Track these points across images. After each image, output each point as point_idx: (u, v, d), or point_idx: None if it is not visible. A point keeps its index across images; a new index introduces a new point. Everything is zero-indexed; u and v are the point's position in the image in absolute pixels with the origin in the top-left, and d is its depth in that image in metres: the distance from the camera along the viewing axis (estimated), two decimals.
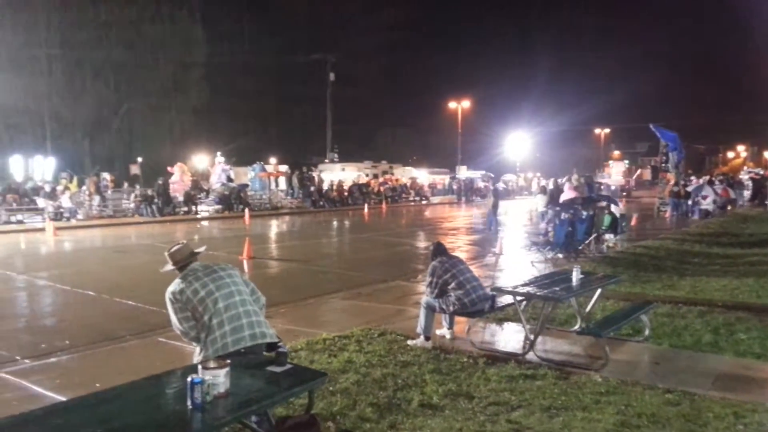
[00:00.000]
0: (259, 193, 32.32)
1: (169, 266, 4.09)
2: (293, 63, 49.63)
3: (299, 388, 3.35)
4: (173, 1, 38.85)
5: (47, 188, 24.72)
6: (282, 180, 35.39)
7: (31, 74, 34.63)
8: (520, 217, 27.25)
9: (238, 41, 46.17)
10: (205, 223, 24.90)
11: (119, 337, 7.00)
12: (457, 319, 6.57)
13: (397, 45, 67.62)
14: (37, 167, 28.16)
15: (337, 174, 40.32)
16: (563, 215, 13.48)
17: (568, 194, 15.99)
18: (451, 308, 6.19)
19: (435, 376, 5.30)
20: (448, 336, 6.57)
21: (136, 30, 37.83)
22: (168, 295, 3.90)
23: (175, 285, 3.91)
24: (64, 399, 4.77)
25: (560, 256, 12.85)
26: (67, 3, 35.23)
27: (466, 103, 50.25)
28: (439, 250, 6.48)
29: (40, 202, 23.50)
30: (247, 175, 34.39)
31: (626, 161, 64.42)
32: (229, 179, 31.57)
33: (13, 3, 33.06)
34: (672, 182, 25.35)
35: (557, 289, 6.19)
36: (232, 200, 28.90)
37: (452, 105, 50.89)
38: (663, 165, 28.68)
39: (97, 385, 5.09)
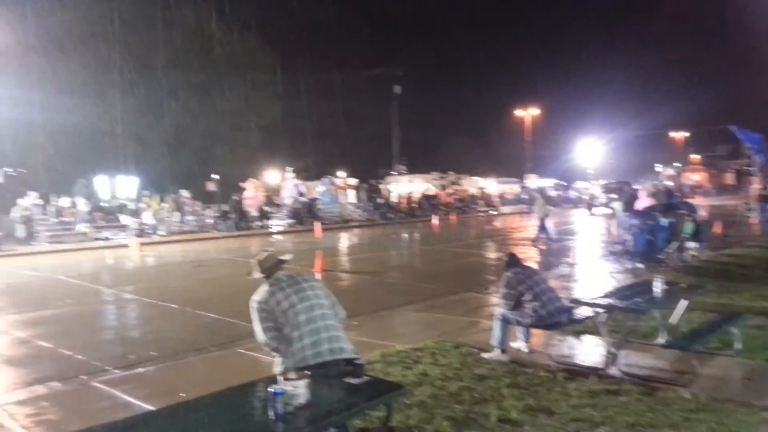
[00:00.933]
0: (328, 207, 32.85)
1: (257, 273, 4.16)
2: (359, 77, 50.33)
3: (377, 400, 3.37)
4: (243, 24, 40.25)
5: (131, 206, 26.02)
6: (351, 193, 35.85)
7: (114, 98, 36.65)
8: (596, 226, 26.44)
9: (305, 58, 47.23)
10: (278, 236, 25.51)
11: (202, 348, 7.24)
12: (533, 331, 6.43)
13: (462, 54, 67.38)
14: (121, 186, 29.68)
15: (404, 186, 40.46)
16: (642, 223, 12.99)
17: (644, 201, 15.40)
18: (527, 320, 6.06)
19: (512, 390, 5.20)
20: (524, 349, 6.43)
21: (210, 53, 39.43)
22: (253, 303, 3.97)
23: (261, 294, 3.99)
24: (152, 408, 4.99)
25: (640, 265, 12.38)
26: (147, 30, 37.13)
27: (534, 110, 49.41)
28: (513, 261, 6.38)
29: (125, 219, 24.76)
30: (317, 189, 35.03)
31: (676, 164, 60.89)
32: (300, 194, 32.26)
33: (97, 31, 35.12)
34: (758, 186, 24.00)
35: (639, 300, 5.95)
36: (303, 214, 29.50)
37: (520, 112, 50.15)
38: (747, 168, 27.21)
39: (182, 394, 5.28)
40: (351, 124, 52.98)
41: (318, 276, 12.74)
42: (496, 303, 7.04)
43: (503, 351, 6.13)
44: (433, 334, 7.28)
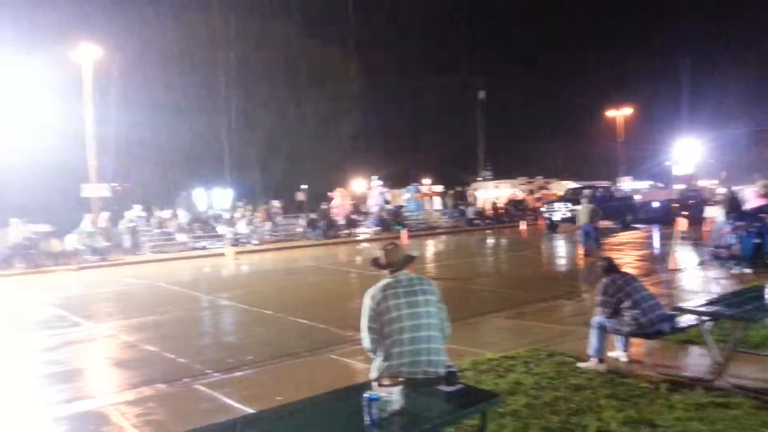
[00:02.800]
0: (414, 214, 32.94)
1: (382, 260, 4.08)
2: (443, 84, 50.29)
3: (472, 408, 3.33)
4: (330, 37, 41.24)
5: (226, 216, 27.20)
6: (437, 200, 35.79)
7: (211, 115, 38.56)
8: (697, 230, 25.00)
9: (390, 67, 47.74)
10: (365, 244, 25.83)
11: (295, 353, 7.43)
12: (633, 340, 6.15)
13: (549, 55, 65.82)
14: (217, 197, 31.15)
15: (490, 191, 39.93)
16: (749, 225, 12.15)
17: (754, 202, 14.39)
18: (626, 329, 5.80)
19: (611, 401, 4.99)
20: (623, 359, 6.16)
21: (299, 67, 40.68)
22: (367, 299, 3.91)
23: (376, 291, 3.92)
24: (250, 410, 5.16)
25: (748, 271, 11.58)
26: (239, 48, 38.84)
27: (627, 110, 47.47)
28: (610, 267, 6.13)
29: (221, 229, 25.91)
30: (402, 196, 35.23)
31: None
32: (386, 201, 32.56)
33: (195, 51, 37.05)
34: None
35: (749, 307, 5.56)
36: (389, 221, 29.74)
37: (612, 113, 48.29)
38: None
39: (278, 398, 5.44)
40: (436, 131, 53.02)
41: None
42: (592, 310, 6.80)
43: (600, 360, 5.90)
44: (525, 342, 7.12)
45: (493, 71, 48.95)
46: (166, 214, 26.32)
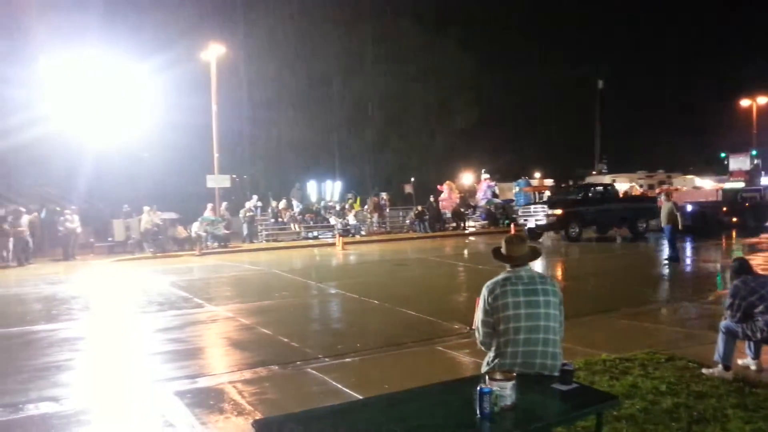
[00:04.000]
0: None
1: (504, 252, 3.91)
2: (557, 74, 48.67)
3: (588, 409, 3.20)
4: (441, 30, 41.09)
5: (337, 208, 27.96)
6: (547, 194, 34.72)
7: (324, 109, 39.74)
8: None
9: (501, 59, 46.90)
10: (472, 237, 25.60)
11: (402, 343, 7.49)
12: (766, 348, 5.67)
13: (671, 41, 61.82)
14: (328, 190, 32.09)
15: (706, 182, 38.20)
16: None
17: None
18: (759, 335, 5.35)
19: (739, 411, 4.62)
20: (753, 366, 5.69)
21: (410, 60, 40.90)
22: (484, 291, 3.78)
23: (496, 283, 3.76)
24: (359, 396, 5.28)
25: None
26: (350, 43, 39.62)
27: (763, 99, 43.57)
28: (743, 268, 5.66)
29: (331, 220, 26.69)
30: (511, 190, 34.54)
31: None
32: (495, 195, 32.05)
33: (307, 47, 38.26)
34: None
35: None
36: (498, 215, 29.27)
37: (746, 102, 44.51)
38: None
39: (386, 386, 5.51)
40: (548, 123, 51.50)
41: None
42: (719, 314, 6.34)
43: (727, 368, 5.48)
44: (643, 344, 6.75)
45: (612, 59, 46.70)
46: (281, 204, 27.44)
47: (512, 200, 32.38)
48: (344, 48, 39.33)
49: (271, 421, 3.05)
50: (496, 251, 3.98)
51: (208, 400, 5.52)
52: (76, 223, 20.51)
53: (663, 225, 15.17)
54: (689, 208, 23.13)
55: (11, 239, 18.48)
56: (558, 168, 45.25)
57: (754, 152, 31.76)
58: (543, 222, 22.06)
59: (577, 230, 21.73)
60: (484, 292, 3.78)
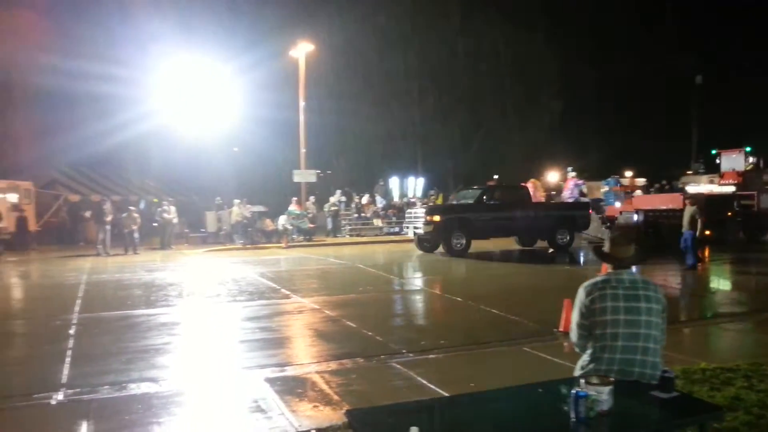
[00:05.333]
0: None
1: (607, 251, 3.72)
2: (650, 68, 46.45)
3: (690, 419, 3.04)
4: (525, 25, 40.16)
5: (419, 204, 27.96)
6: (638, 194, 33.29)
7: (407, 105, 39.80)
8: None
9: (590, 52, 45.22)
10: None
11: (487, 342, 7.41)
12: None
13: None
14: (411, 186, 32.17)
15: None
16: None
17: None
18: None
19: None
20: None
21: (493, 55, 40.29)
22: (581, 292, 3.61)
23: (594, 285, 3.58)
24: (443, 392, 5.26)
25: None
26: (433, 38, 39.45)
27: None
28: None
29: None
30: (600, 189, 33.33)
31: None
32: (582, 194, 31.01)
33: (390, 42, 38.41)
34: None
35: None
36: None
37: None
38: None
39: (472, 384, 5.47)
40: (641, 120, 49.31)
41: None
42: None
43: None
44: (747, 354, 6.36)
45: (711, 52, 44.03)
46: (364, 199, 27.79)
47: (601, 200, 31.22)
48: (428, 42, 39.20)
49: (363, 411, 3.09)
50: (599, 250, 3.81)
51: (297, 388, 5.67)
52: (172, 214, 21.62)
53: (683, 230, 14.14)
54: (635, 217, 20.24)
55: (108, 228, 19.64)
56: (651, 167, 43.21)
57: (748, 148, 23.54)
58: (421, 230, 18.47)
59: (463, 242, 17.65)
60: (581, 293, 3.64)
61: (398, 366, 6.31)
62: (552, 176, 36.68)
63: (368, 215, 26.60)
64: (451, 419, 3.00)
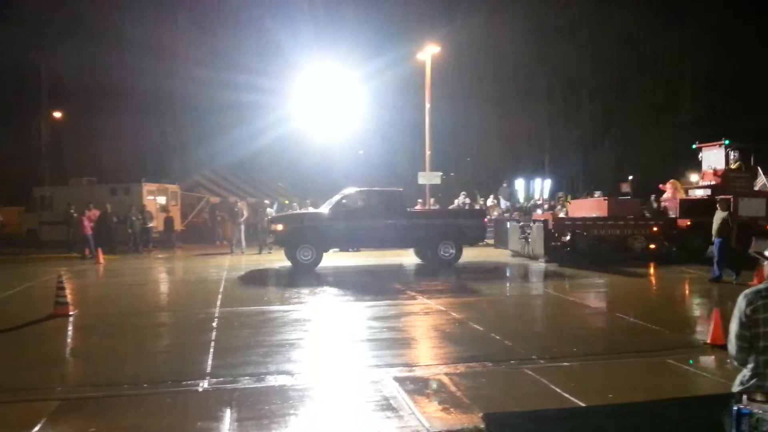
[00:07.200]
0: None
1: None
2: None
3: None
4: (662, 16, 37.71)
5: (546, 206, 27.11)
6: None
7: (533, 106, 38.83)
8: None
9: (734, 44, 41.49)
10: None
11: (624, 351, 7.02)
12: None
13: None
14: (537, 188, 31.27)
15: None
16: None
17: None
18: None
19: None
20: None
21: (624, 53, 38.25)
22: (741, 301, 3.29)
23: (756, 293, 3.28)
24: (580, 402, 5.01)
25: None
26: (561, 37, 38.14)
27: None
28: None
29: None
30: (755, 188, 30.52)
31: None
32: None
33: (517, 43, 37.64)
34: None
35: None
36: None
37: None
38: None
39: (610, 395, 5.18)
40: None
41: None
42: None
43: None
44: None
45: None
46: (488, 201, 27.39)
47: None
48: (556, 38, 37.96)
49: (501, 416, 3.02)
50: (759, 250, 3.46)
51: (426, 389, 5.68)
52: None
53: (714, 238, 12.64)
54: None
55: (242, 228, 20.87)
56: None
57: (726, 141, 18.67)
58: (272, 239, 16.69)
59: (310, 255, 15.26)
60: (741, 301, 3.29)
61: (530, 372, 6.12)
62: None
63: (493, 218, 26.18)
64: (595, 431, 2.85)
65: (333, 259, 17.12)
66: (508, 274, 15.22)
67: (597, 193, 28.39)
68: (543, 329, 8.98)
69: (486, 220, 17.89)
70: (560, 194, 29.25)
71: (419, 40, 26.51)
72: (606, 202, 18.32)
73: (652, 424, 2.95)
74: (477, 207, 26.94)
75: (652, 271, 15.05)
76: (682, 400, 3.29)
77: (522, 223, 18.15)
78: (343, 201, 15.95)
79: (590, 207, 18.84)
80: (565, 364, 6.52)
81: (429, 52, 25.43)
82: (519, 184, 31.60)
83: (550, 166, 38.68)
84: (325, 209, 16.42)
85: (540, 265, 16.06)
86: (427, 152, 25.50)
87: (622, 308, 9.49)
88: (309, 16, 38.11)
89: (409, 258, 17.67)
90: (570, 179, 38.77)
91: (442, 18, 36.37)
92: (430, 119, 25.58)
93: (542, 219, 17.77)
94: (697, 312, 10.25)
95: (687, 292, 12.25)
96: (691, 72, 38.47)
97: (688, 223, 17.20)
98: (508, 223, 19.45)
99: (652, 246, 17.02)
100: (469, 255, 17.56)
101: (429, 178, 25.31)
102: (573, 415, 3.17)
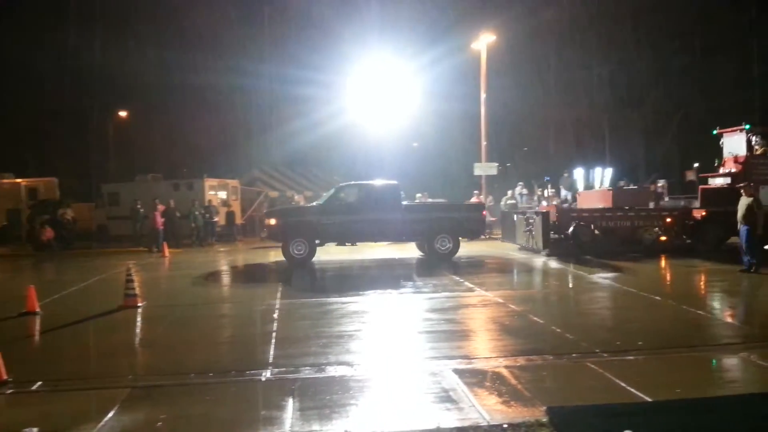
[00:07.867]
0: None
1: None
2: None
3: None
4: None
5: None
6: None
7: (592, 91, 37.73)
8: None
9: None
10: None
11: (693, 345, 6.76)
12: None
13: None
14: (597, 177, 30.41)
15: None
16: None
17: None
18: None
19: None
20: None
21: (692, 36, 36.62)
22: None
23: None
24: (645, 397, 4.85)
25: None
26: (622, 18, 36.86)
27: None
28: None
29: None
30: None
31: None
32: None
33: (576, 25, 36.62)
34: None
35: None
36: None
37: None
38: None
39: (678, 390, 4.99)
40: None
41: None
42: None
43: None
44: None
45: None
46: (547, 192, 26.84)
47: None
48: (615, 22, 36.70)
49: (567, 410, 2.96)
50: None
51: (485, 381, 5.63)
52: None
53: (739, 226, 11.92)
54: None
55: None
56: None
57: (747, 126, 16.99)
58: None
59: (304, 250, 15.14)
60: None
61: (593, 366, 5.97)
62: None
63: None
64: (666, 426, 2.76)
65: (358, 251, 17.15)
66: (529, 268, 14.89)
67: (661, 182, 27.47)
68: (606, 322, 8.70)
69: (484, 213, 17.49)
70: (621, 182, 28.39)
71: (474, 30, 26.19)
72: (611, 192, 18.07)
73: (726, 420, 2.83)
74: (535, 197, 26.49)
75: (676, 263, 14.41)
76: (761, 396, 3.14)
77: (527, 215, 17.74)
78: (338, 195, 16.06)
79: (596, 198, 18.57)
80: (630, 358, 6.33)
81: (484, 41, 25.10)
82: (578, 173, 30.86)
83: (611, 153, 37.57)
84: (318, 203, 16.68)
85: (575, 258, 15.63)
86: (483, 143, 25.23)
87: (692, 301, 9.14)
88: (364, 10, 38.18)
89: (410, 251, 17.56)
90: (631, 167, 37.58)
91: (498, 5, 35.75)
92: (485, 109, 25.27)
93: (544, 211, 17.33)
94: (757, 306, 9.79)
95: (734, 285, 11.50)
96: (755, 57, 36.57)
97: (704, 213, 16.30)
98: (515, 216, 19.06)
99: (663, 238, 16.24)
100: (480, 250, 17.41)
101: (485, 169, 25.05)
102: (640, 411, 3.07)
